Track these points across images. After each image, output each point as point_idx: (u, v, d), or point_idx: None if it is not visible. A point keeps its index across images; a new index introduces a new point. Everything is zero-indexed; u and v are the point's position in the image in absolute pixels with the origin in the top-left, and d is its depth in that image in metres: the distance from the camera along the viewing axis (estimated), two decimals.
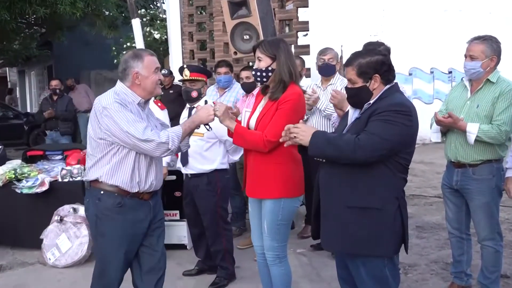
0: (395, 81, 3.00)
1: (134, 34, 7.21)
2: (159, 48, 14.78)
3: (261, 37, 4.87)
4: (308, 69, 6.58)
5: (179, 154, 4.59)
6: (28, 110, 22.93)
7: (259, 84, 3.71)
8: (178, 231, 5.54)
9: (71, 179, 5.79)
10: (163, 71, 7.05)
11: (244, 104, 5.44)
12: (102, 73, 19.97)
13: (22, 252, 5.75)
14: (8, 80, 29.40)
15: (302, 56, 6.38)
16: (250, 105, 4.47)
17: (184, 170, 4.70)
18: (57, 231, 5.44)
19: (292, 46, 6.70)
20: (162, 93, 3.53)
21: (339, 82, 5.24)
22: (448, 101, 4.11)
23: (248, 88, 5.56)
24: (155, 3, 18.62)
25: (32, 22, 14.40)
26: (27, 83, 26.52)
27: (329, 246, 3.15)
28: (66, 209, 5.54)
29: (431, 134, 4.11)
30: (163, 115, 5.16)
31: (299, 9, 7.20)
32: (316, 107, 5.06)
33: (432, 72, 12.87)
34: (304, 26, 7.14)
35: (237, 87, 5.93)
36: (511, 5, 12.13)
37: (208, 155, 4.54)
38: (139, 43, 6.94)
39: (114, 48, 16.16)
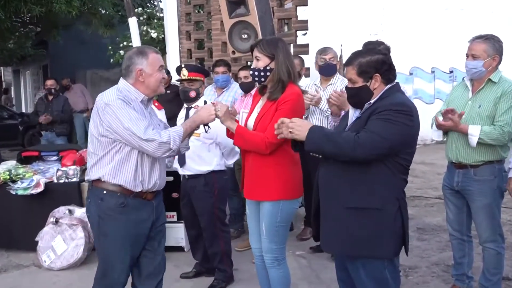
0: (396, 80, 3.01)
1: (130, 33, 7.22)
2: (156, 48, 14.74)
3: (260, 36, 4.86)
4: (308, 69, 6.59)
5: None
6: (23, 110, 22.89)
7: (257, 84, 3.71)
8: (176, 233, 5.54)
9: (66, 180, 5.79)
10: None
11: (242, 104, 5.44)
12: (98, 73, 19.97)
13: (17, 255, 5.74)
14: (2, 79, 29.37)
15: (301, 56, 6.38)
16: (248, 105, 4.47)
17: (181, 171, 4.70)
18: (52, 233, 5.43)
19: (291, 45, 6.71)
20: (165, 91, 3.51)
21: (339, 82, 5.24)
22: (449, 101, 4.11)
23: (246, 88, 5.56)
24: (152, 1, 18.60)
25: (27, 20, 14.38)
26: (22, 82, 26.48)
27: (329, 247, 3.15)
28: (61, 210, 5.54)
29: (432, 132, 4.11)
30: (160, 115, 5.15)
31: (298, 7, 7.20)
32: (317, 107, 5.07)
33: (433, 72, 12.88)
34: (303, 25, 7.14)
35: (235, 86, 5.93)
36: None
37: (205, 156, 4.54)
38: (136, 42, 6.95)
39: (110, 47, 16.15)
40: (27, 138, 14.94)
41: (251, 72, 3.57)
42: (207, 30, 8.09)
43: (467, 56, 3.91)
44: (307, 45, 7.04)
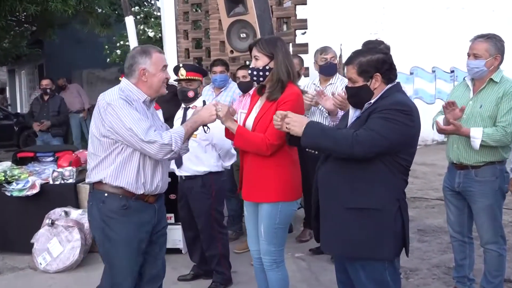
0: (396, 80, 3.01)
1: (127, 32, 7.21)
2: None
3: (258, 36, 4.86)
4: (307, 68, 6.58)
5: None
6: (19, 111, 22.85)
7: (255, 83, 3.71)
8: (173, 234, 5.53)
9: (62, 182, 5.79)
10: None
11: (240, 104, 5.44)
12: (95, 72, 19.97)
13: (12, 257, 5.73)
14: None
15: (301, 55, 6.38)
16: (246, 105, 4.47)
17: (178, 172, 4.69)
18: (48, 235, 5.42)
19: (290, 44, 6.71)
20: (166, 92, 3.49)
21: (339, 82, 5.24)
22: None
23: (245, 88, 5.56)
24: (149, 0, 18.61)
25: (23, 19, 14.40)
26: (17, 82, 26.45)
27: (329, 248, 3.16)
28: (57, 212, 5.53)
29: (434, 132, 4.11)
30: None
31: (297, 6, 7.19)
32: (317, 107, 5.06)
33: (434, 71, 12.89)
34: (303, 24, 7.14)
35: (233, 86, 5.93)
36: None
37: (202, 156, 4.54)
38: (133, 41, 6.93)
39: (107, 46, 16.14)
40: (23, 139, 14.92)
41: (249, 71, 3.57)
42: (205, 29, 8.08)
43: (469, 55, 3.91)
44: (306, 44, 7.04)
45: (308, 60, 6.12)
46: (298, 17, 7.12)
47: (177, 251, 5.54)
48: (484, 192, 3.88)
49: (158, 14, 14.36)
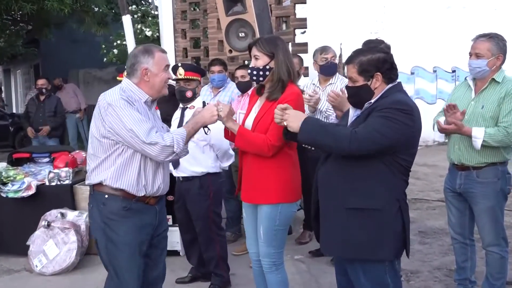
0: (397, 80, 3.01)
1: (124, 32, 7.20)
2: None
3: (257, 35, 4.86)
4: (306, 68, 6.59)
5: None
6: (14, 111, 22.86)
7: (255, 83, 3.70)
8: (171, 236, 5.46)
9: (59, 183, 5.79)
10: None
11: (239, 105, 5.44)
12: (91, 72, 19.96)
13: (7, 259, 5.73)
14: None
15: (300, 55, 6.38)
16: (245, 106, 4.46)
17: (176, 173, 4.68)
18: (44, 237, 5.42)
19: (290, 44, 6.70)
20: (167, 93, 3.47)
21: (339, 82, 5.24)
22: (451, 101, 4.09)
23: (243, 88, 5.56)
24: None
25: (18, 18, 14.37)
26: (13, 82, 26.45)
27: (328, 250, 3.16)
28: (53, 214, 5.53)
29: (435, 133, 4.11)
30: None
31: (296, 5, 7.19)
32: (316, 108, 5.06)
33: (435, 71, 12.91)
34: (302, 23, 7.14)
35: (231, 86, 5.93)
36: None
37: (199, 157, 4.53)
38: (130, 41, 6.92)
39: (103, 46, 16.14)
40: (18, 139, 14.89)
41: (249, 71, 3.56)
42: (203, 28, 8.08)
43: (470, 55, 3.91)
44: (305, 44, 7.04)
45: (308, 59, 6.12)
46: (297, 16, 7.12)
47: (175, 253, 5.53)
48: (486, 193, 3.88)
49: (156, 13, 14.38)
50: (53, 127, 9.28)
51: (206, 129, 3.41)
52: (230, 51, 5.31)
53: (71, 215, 5.54)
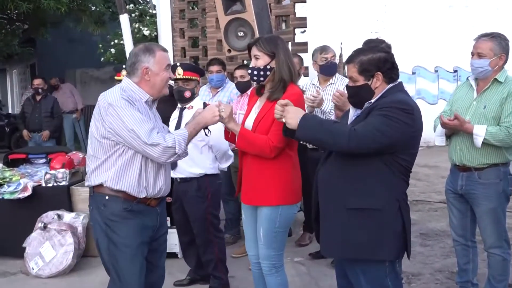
0: (399, 80, 3.02)
1: (122, 31, 7.18)
2: None
3: (257, 34, 4.86)
4: (306, 68, 6.59)
5: None
6: (10, 111, 22.81)
7: (255, 83, 3.70)
8: (169, 238, 5.38)
9: (55, 184, 5.79)
10: None
11: (238, 105, 5.44)
12: (88, 72, 19.95)
13: (3, 261, 5.72)
14: None
15: (300, 54, 6.38)
16: (244, 106, 4.46)
17: (173, 174, 4.67)
18: (40, 239, 5.42)
19: (289, 43, 6.71)
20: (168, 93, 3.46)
21: (340, 82, 5.23)
22: (453, 102, 4.12)
23: (243, 88, 5.56)
24: None
25: (14, 17, 14.37)
26: (9, 82, 26.37)
27: (329, 251, 3.16)
28: (50, 215, 5.53)
29: (435, 137, 4.11)
30: None
31: (296, 4, 7.19)
32: (319, 109, 5.05)
33: (436, 71, 12.93)
34: (302, 23, 7.14)
35: (230, 86, 5.93)
36: None
37: (197, 158, 4.51)
38: (127, 40, 6.92)
39: (101, 45, 16.12)
40: (14, 140, 14.87)
41: (249, 71, 3.55)
42: (202, 27, 8.07)
43: (472, 54, 3.92)
44: (305, 43, 7.04)
45: (308, 59, 6.13)
46: (297, 15, 7.12)
47: (173, 255, 5.53)
48: (488, 194, 3.89)
49: (154, 12, 14.37)
50: (50, 130, 9.29)
51: (206, 130, 3.40)
52: (229, 51, 5.32)
53: (67, 216, 5.54)
